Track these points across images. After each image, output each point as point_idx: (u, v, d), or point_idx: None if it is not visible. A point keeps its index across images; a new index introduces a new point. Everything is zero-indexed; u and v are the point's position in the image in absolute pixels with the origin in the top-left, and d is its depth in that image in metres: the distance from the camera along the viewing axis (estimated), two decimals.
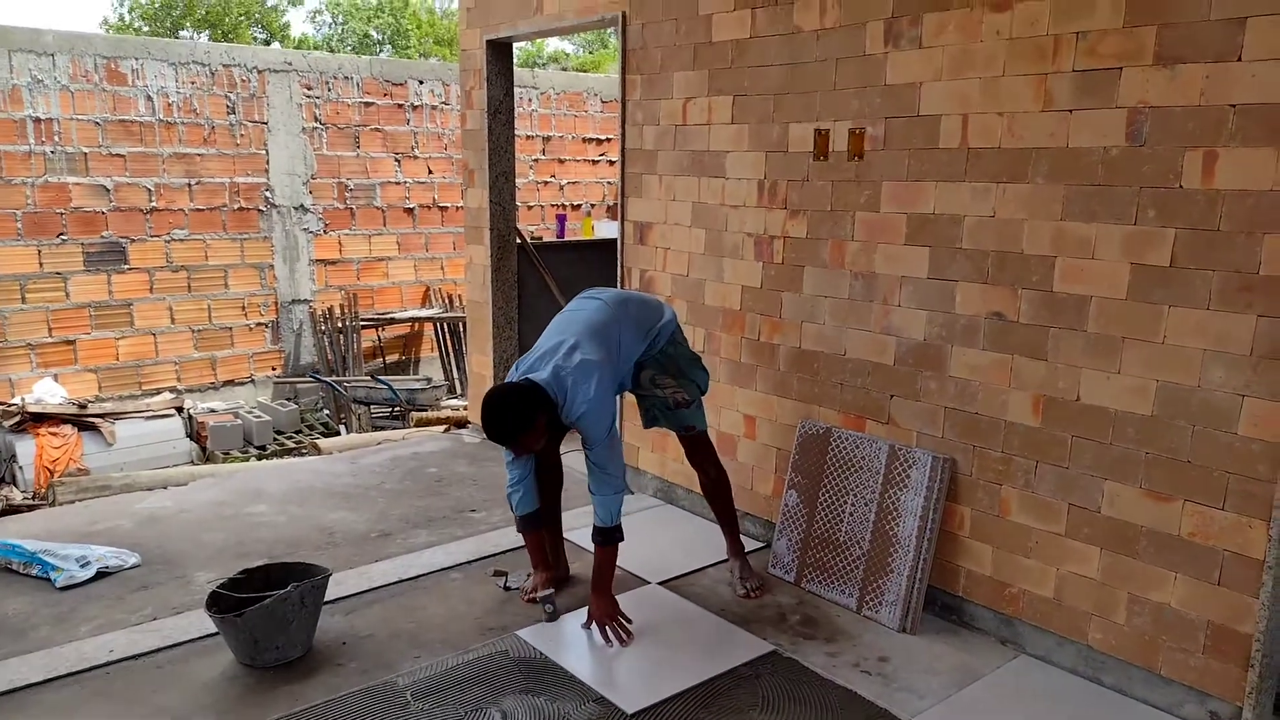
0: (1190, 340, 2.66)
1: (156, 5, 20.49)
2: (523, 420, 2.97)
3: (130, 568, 3.69)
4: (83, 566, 3.59)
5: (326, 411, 7.72)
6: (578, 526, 3.83)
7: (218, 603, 2.99)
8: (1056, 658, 3.05)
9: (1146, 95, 2.67)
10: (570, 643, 3.19)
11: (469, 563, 3.77)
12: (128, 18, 20.64)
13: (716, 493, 3.62)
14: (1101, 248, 2.81)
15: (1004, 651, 3.14)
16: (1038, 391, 3.01)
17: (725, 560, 3.68)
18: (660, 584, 3.59)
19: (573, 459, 3.64)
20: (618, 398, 3.58)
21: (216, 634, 3.07)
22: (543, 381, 3.02)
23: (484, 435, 3.43)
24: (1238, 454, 2.59)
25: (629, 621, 3.21)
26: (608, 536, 3.14)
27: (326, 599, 3.17)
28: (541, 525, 3.40)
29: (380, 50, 23.11)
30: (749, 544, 3.78)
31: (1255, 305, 2.53)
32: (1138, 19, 2.67)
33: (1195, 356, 2.65)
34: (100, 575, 3.60)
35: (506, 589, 3.53)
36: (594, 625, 3.19)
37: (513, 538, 3.99)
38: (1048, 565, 3.04)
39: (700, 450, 3.57)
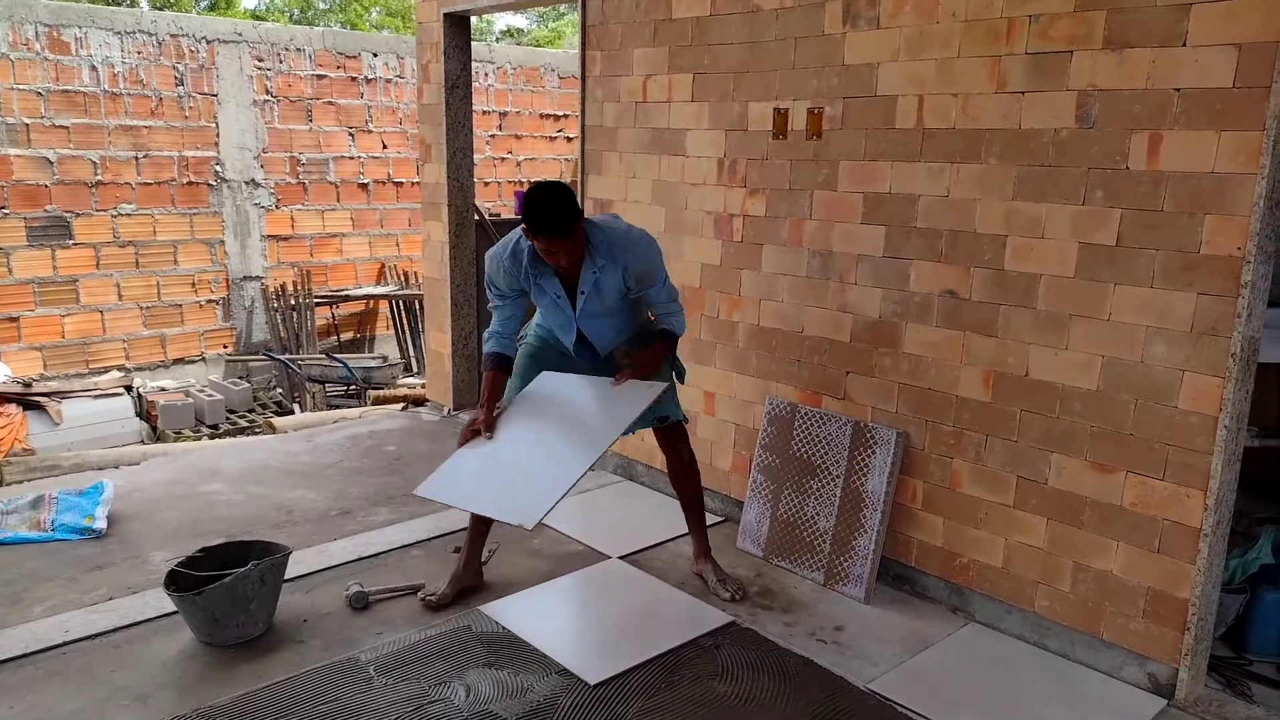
0: (1134, 317, 2.75)
1: None
2: (572, 204, 2.84)
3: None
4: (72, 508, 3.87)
5: (280, 390, 7.62)
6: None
7: (176, 581, 2.97)
8: (1004, 625, 3.15)
9: (1095, 78, 2.75)
10: (533, 617, 3.22)
11: (429, 539, 3.78)
12: None
13: (687, 481, 3.44)
14: (1051, 227, 2.89)
15: (954, 619, 3.24)
16: (988, 367, 3.10)
17: (686, 534, 3.69)
18: (621, 558, 3.63)
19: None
20: None
21: (175, 613, 3.05)
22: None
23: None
24: (1177, 426, 2.70)
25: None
26: (673, 343, 3.22)
27: (287, 577, 3.16)
28: (507, 371, 3.21)
29: (325, 21, 22.51)
30: (708, 518, 3.82)
31: (1195, 284, 2.62)
32: (1088, 3, 2.74)
33: (1139, 333, 2.75)
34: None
35: None
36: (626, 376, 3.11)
37: None
38: (997, 535, 3.14)
39: (677, 439, 3.37)
